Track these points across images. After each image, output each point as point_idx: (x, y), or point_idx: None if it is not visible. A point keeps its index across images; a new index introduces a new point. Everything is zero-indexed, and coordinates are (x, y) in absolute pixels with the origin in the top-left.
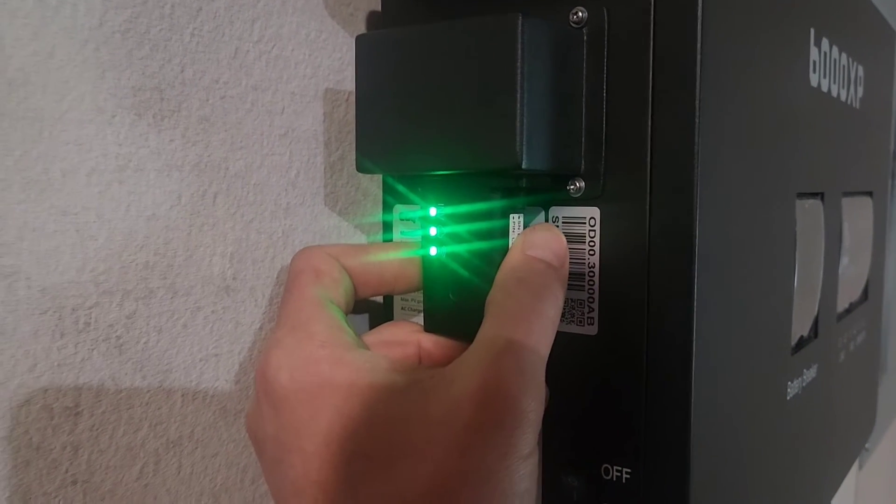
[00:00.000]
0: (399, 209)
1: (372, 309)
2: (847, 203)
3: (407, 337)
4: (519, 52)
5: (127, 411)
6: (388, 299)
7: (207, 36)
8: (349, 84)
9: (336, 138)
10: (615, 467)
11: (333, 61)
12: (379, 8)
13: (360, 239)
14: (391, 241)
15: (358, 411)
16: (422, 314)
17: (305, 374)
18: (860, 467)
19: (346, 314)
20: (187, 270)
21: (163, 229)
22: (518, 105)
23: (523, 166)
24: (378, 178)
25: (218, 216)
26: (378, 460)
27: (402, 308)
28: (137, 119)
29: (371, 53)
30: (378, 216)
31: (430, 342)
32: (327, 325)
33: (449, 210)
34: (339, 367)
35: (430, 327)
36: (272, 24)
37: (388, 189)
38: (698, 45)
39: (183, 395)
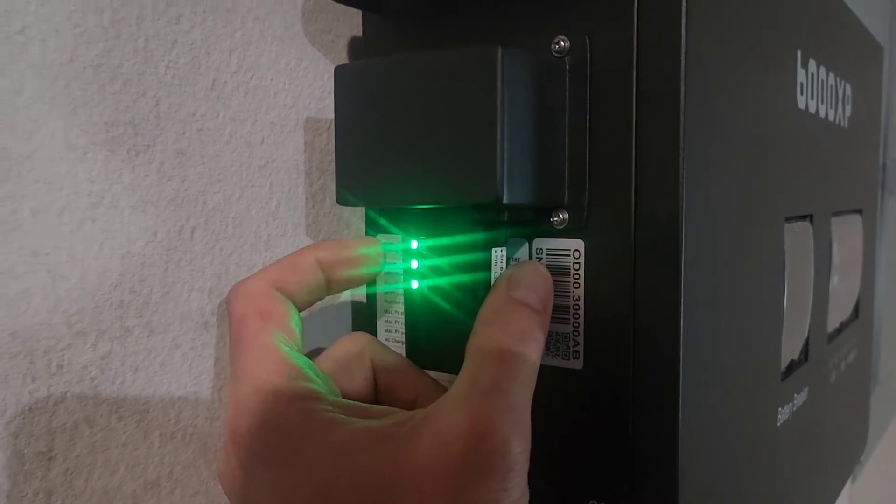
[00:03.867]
0: (381, 241)
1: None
2: (836, 222)
3: (360, 355)
4: (499, 83)
5: (103, 454)
6: (371, 324)
7: (183, 68)
8: (331, 112)
9: (318, 168)
10: None
11: (315, 89)
12: (360, 34)
13: None
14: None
15: (340, 467)
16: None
17: (279, 438)
18: (853, 480)
19: (302, 344)
20: (164, 307)
21: (138, 266)
22: (498, 138)
23: (504, 201)
24: (360, 208)
25: (196, 251)
26: None
27: (387, 331)
28: (111, 155)
29: (350, 84)
30: None
31: (381, 356)
32: (291, 377)
33: (430, 243)
34: (313, 423)
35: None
36: (251, 54)
37: (370, 220)
38: (682, 74)
39: (161, 435)
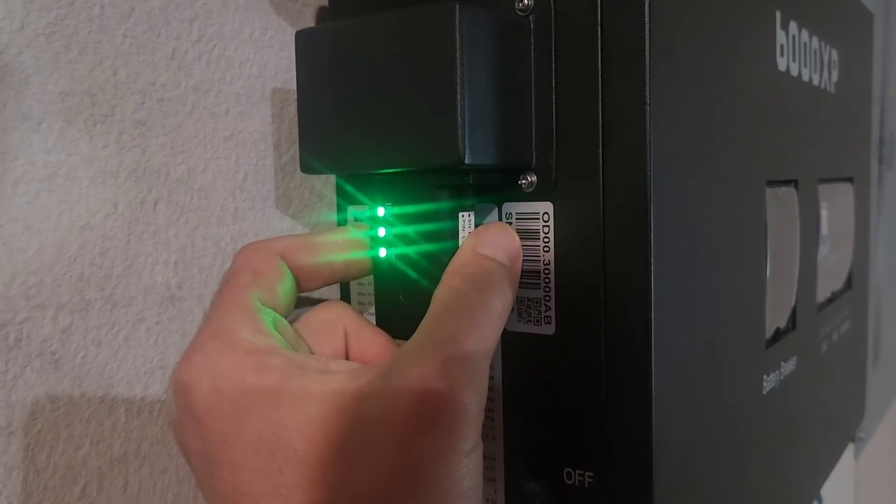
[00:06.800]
0: (351, 210)
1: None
2: (825, 190)
3: (334, 323)
4: (458, 42)
5: (66, 429)
6: (345, 292)
7: (142, 37)
8: None
9: (286, 139)
10: (577, 471)
11: (282, 60)
12: (326, 3)
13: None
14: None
15: (287, 417)
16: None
17: (229, 384)
18: (856, 456)
19: (288, 314)
20: (127, 280)
21: (98, 239)
22: (459, 98)
23: (466, 161)
24: (331, 178)
25: (159, 223)
26: (312, 467)
27: (360, 304)
28: (67, 125)
29: (310, 48)
30: (332, 218)
31: (354, 325)
32: (253, 329)
33: (397, 210)
34: (265, 373)
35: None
36: (212, 23)
37: (340, 190)
38: (646, 31)
39: (127, 410)
